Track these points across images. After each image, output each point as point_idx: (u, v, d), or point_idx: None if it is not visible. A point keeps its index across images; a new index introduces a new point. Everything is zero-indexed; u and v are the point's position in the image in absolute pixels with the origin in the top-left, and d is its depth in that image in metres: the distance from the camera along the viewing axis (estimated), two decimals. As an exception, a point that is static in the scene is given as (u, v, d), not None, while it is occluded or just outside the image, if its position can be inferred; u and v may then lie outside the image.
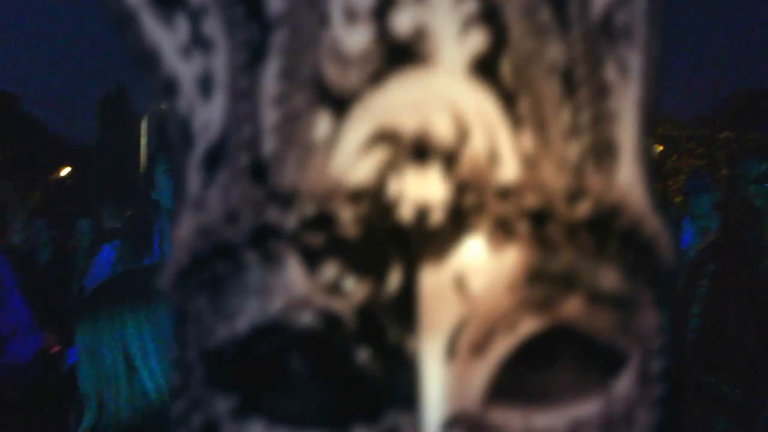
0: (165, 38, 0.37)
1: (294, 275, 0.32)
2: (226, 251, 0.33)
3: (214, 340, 0.35)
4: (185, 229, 0.36)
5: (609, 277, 0.34)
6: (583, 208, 0.32)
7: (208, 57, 0.35)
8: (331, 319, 0.32)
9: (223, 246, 0.33)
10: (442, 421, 0.31)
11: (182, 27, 0.36)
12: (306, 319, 0.32)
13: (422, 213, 0.30)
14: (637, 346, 0.36)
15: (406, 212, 0.30)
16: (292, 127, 0.32)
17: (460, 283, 0.31)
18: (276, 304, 0.32)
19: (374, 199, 0.31)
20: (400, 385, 0.31)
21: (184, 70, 0.36)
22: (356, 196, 0.31)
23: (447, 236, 0.31)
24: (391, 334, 0.31)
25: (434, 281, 0.31)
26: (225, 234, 0.33)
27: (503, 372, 0.33)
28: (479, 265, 0.31)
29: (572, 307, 0.33)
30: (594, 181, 0.33)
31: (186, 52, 0.36)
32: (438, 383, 0.31)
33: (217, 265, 0.34)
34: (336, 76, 0.31)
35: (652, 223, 0.36)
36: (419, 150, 0.31)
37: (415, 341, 0.31)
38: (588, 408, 0.34)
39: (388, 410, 0.32)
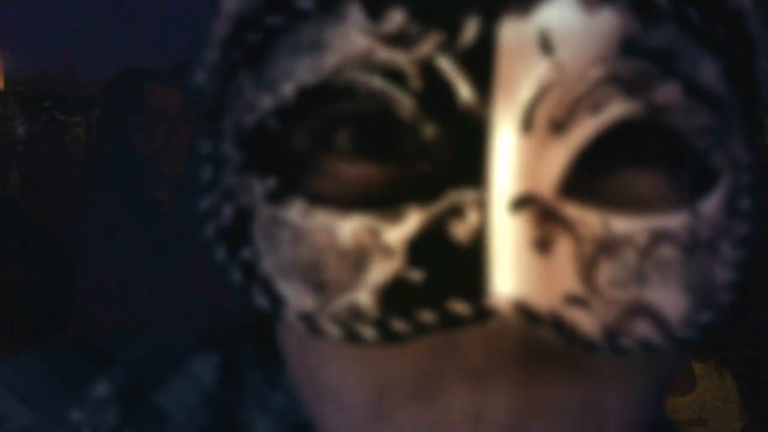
0: None
1: (353, 25, 0.28)
2: (278, 2, 0.30)
3: (254, 116, 0.31)
4: None
5: (710, 72, 0.30)
6: None
7: None
8: (392, 76, 0.28)
9: None
10: (510, 201, 0.27)
11: None
12: (363, 77, 0.28)
13: None
14: (728, 168, 0.31)
15: None
16: None
17: (545, 43, 0.27)
18: (330, 61, 0.28)
19: None
20: (466, 157, 0.27)
21: None
22: None
23: None
24: (460, 96, 0.27)
25: (516, 37, 0.27)
26: None
27: (583, 160, 0.29)
28: (569, 26, 0.27)
29: (668, 94, 0.28)
30: None
31: None
32: (510, 157, 0.27)
33: (267, 21, 0.30)
34: None
35: (754, 27, 0.31)
36: None
37: (488, 106, 0.27)
38: (673, 221, 0.30)
39: (448, 187, 0.28)
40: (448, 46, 0.27)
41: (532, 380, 0.29)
